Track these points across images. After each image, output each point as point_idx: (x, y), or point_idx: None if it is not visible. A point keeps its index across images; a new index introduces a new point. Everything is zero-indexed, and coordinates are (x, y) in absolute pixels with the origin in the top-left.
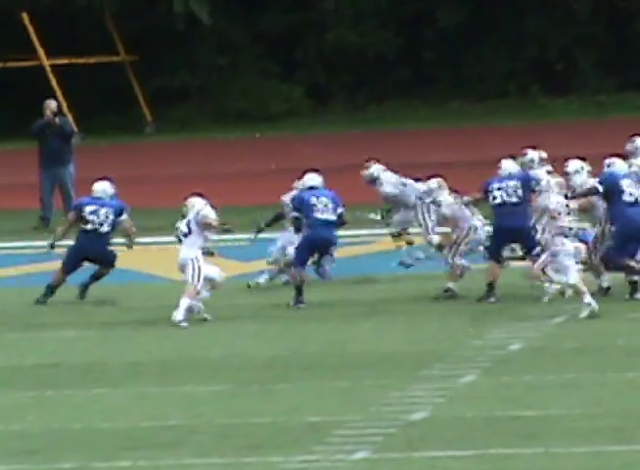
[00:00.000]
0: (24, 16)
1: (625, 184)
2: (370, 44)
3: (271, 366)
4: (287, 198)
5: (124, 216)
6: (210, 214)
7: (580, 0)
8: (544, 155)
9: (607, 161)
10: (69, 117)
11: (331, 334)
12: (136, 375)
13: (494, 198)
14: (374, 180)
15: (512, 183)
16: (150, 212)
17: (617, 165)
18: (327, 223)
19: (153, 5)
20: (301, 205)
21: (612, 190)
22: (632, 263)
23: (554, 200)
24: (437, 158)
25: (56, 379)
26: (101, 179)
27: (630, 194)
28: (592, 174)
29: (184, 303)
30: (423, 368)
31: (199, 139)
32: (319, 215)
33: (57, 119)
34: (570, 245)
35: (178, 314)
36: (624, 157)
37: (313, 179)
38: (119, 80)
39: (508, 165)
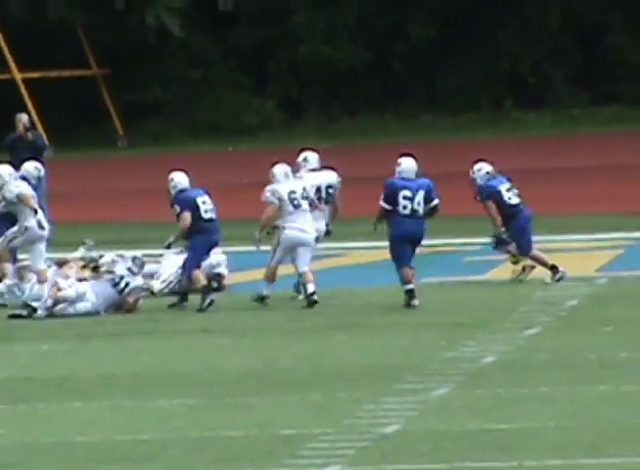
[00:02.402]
0: None
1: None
2: (342, 57)
3: (244, 380)
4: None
5: None
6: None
7: (551, 15)
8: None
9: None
10: (41, 131)
11: (303, 347)
12: (109, 388)
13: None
14: None
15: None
16: (123, 226)
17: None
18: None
19: (124, 19)
20: None
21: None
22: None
23: None
24: None
25: (29, 392)
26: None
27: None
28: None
29: None
30: (395, 381)
31: (171, 152)
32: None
33: (29, 134)
34: None
35: None
36: None
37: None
38: (91, 94)
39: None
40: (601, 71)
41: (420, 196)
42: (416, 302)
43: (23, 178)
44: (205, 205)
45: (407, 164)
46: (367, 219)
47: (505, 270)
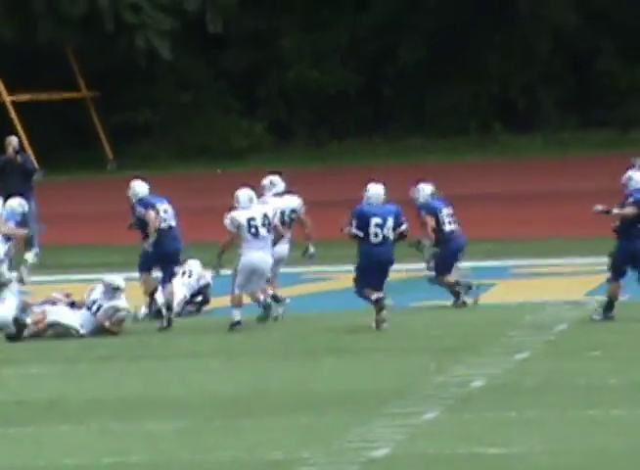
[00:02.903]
0: None
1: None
2: (331, 82)
3: (233, 403)
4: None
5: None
6: None
7: (542, 39)
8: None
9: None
10: (31, 154)
11: (292, 371)
12: (98, 411)
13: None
14: None
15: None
16: (112, 249)
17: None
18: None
19: (114, 41)
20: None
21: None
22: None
23: None
24: (399, 195)
25: (19, 416)
26: None
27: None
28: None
29: None
30: (384, 405)
31: (160, 175)
32: None
33: (18, 157)
34: None
35: None
36: None
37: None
38: (81, 116)
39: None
40: (592, 96)
41: (390, 222)
42: (386, 325)
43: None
44: (166, 213)
45: (375, 191)
46: (352, 244)
47: (495, 294)
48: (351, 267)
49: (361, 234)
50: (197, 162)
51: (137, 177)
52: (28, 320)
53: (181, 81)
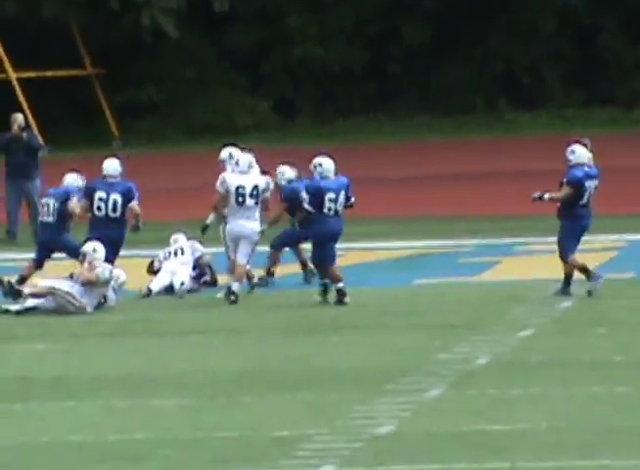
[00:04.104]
0: None
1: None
2: (336, 59)
3: (237, 380)
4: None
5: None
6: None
7: (547, 16)
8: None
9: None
10: (36, 131)
11: (296, 348)
12: (103, 388)
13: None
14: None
15: None
16: None
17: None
18: None
19: (120, 19)
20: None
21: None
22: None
23: None
24: (404, 172)
25: (23, 392)
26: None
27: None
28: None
29: None
30: (389, 382)
31: (166, 152)
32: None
33: (24, 134)
34: None
35: None
36: None
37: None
38: (86, 94)
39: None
40: (596, 73)
41: (342, 196)
42: (347, 299)
43: (129, 189)
44: (101, 202)
45: (329, 165)
46: (359, 221)
47: (499, 272)
48: (358, 245)
49: (312, 210)
50: (202, 139)
51: (113, 156)
52: (25, 289)
53: (186, 59)
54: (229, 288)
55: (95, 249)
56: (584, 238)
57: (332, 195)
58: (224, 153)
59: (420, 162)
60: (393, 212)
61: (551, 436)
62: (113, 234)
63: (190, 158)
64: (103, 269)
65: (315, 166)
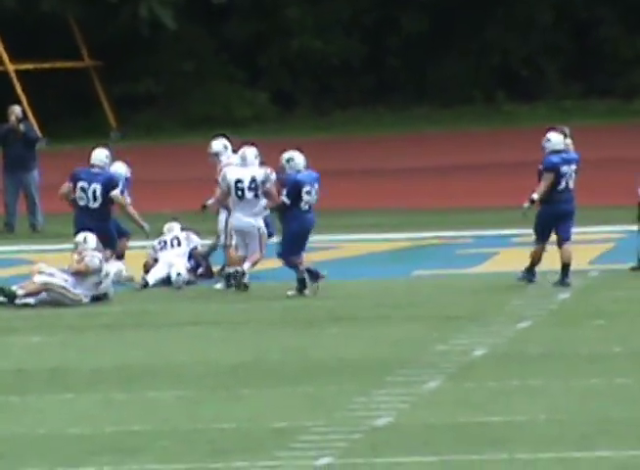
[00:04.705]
0: None
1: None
2: (334, 51)
3: (235, 372)
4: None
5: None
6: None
7: (544, 8)
8: None
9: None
10: (33, 123)
11: (294, 340)
12: (100, 380)
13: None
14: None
15: None
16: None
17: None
18: None
19: (117, 10)
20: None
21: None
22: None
23: None
24: (403, 164)
25: (20, 384)
26: None
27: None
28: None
29: None
30: (387, 374)
31: (164, 144)
32: None
33: (21, 126)
34: None
35: None
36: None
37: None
38: (84, 86)
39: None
40: (594, 65)
41: (315, 189)
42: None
43: (110, 179)
44: (82, 191)
45: (301, 159)
46: (357, 212)
47: (497, 263)
48: (356, 236)
49: (288, 201)
50: (200, 131)
51: (105, 145)
52: (19, 291)
53: (184, 51)
54: (229, 274)
55: (86, 239)
56: (581, 229)
57: (308, 188)
58: (218, 145)
59: (418, 153)
60: (391, 204)
61: (549, 428)
62: (94, 224)
63: (188, 150)
64: (91, 258)
65: (288, 161)
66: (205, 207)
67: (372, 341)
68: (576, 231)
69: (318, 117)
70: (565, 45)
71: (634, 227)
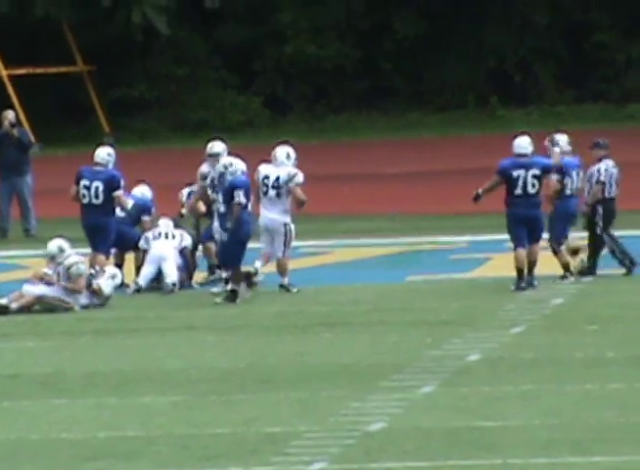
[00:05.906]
0: None
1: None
2: (328, 56)
3: (229, 377)
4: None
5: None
6: None
7: (538, 13)
8: None
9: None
10: (27, 128)
11: (289, 345)
12: (94, 386)
13: None
14: None
15: None
16: None
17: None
18: None
19: (111, 16)
20: None
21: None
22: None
23: None
24: (396, 169)
25: (14, 390)
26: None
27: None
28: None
29: None
30: (381, 379)
31: (157, 150)
32: None
33: (15, 131)
34: None
35: None
36: None
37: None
38: (77, 91)
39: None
40: (587, 69)
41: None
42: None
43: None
44: (85, 190)
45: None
46: (351, 217)
47: (491, 268)
48: (350, 242)
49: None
50: (194, 136)
51: (109, 144)
52: (10, 304)
53: (178, 56)
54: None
55: (61, 247)
56: (575, 234)
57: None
58: (219, 146)
59: (412, 158)
60: (385, 209)
61: (543, 433)
62: (96, 221)
63: (181, 155)
64: (77, 268)
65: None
66: (182, 215)
67: (366, 346)
68: (572, 236)
69: (312, 122)
70: (559, 50)
71: (627, 232)
